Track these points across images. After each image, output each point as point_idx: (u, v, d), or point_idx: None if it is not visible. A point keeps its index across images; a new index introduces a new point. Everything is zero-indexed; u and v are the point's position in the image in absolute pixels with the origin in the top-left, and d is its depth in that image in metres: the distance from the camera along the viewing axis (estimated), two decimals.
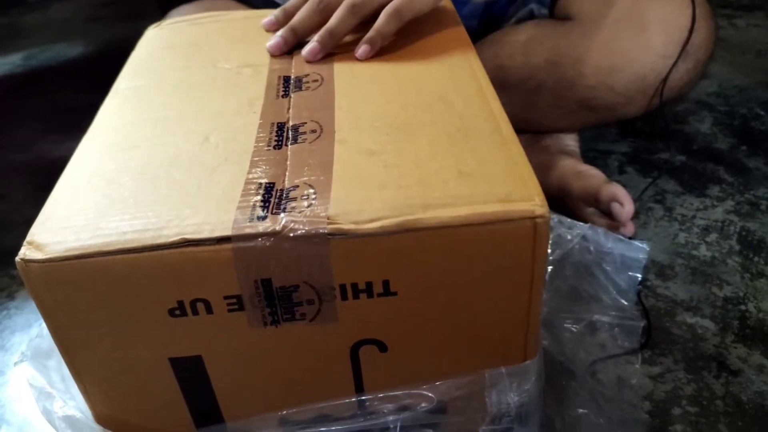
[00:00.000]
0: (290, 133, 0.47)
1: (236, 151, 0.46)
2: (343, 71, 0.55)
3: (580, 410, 0.59)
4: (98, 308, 0.42)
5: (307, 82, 0.54)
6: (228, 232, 0.39)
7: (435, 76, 0.52)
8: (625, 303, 0.68)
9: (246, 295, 0.41)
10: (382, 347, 0.44)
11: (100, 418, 0.47)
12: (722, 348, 0.68)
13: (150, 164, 0.46)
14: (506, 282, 0.41)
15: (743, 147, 1.02)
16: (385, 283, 0.41)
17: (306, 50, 0.58)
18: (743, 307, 0.74)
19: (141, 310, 0.41)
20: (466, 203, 0.39)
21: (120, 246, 0.39)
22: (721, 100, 1.15)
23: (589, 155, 0.98)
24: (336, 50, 0.58)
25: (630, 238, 0.81)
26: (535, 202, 0.38)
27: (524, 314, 0.42)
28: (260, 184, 0.42)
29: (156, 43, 0.65)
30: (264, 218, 0.39)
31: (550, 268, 0.66)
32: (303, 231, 0.38)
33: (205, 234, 0.39)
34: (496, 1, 0.92)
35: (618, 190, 0.78)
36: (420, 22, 0.61)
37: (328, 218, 0.39)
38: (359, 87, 0.52)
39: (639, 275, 0.70)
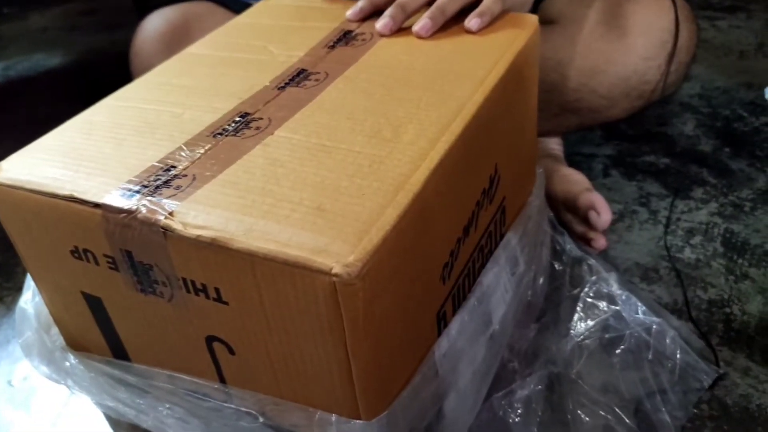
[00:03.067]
0: (242, 125, 0.49)
1: (186, 131, 0.49)
2: (350, 75, 0.54)
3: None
4: (26, 233, 0.49)
5: (308, 79, 0.54)
6: (101, 200, 0.43)
7: (418, 102, 0.49)
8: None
9: (117, 259, 0.45)
10: (231, 350, 0.46)
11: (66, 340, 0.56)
12: (708, 351, 0.68)
13: (125, 125, 0.51)
14: (317, 330, 0.40)
15: (726, 149, 1.02)
16: (217, 290, 0.42)
17: (419, 26, 0.59)
18: (728, 310, 0.73)
19: (52, 244, 0.48)
20: (281, 240, 0.38)
21: (33, 187, 0.46)
22: (703, 102, 1.15)
23: (573, 159, 0.97)
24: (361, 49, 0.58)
25: (604, 250, 0.81)
26: (344, 262, 0.36)
27: (345, 369, 0.41)
28: (167, 164, 0.45)
29: (254, 14, 0.69)
30: (134, 195, 0.43)
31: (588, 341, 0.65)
32: (144, 217, 0.41)
33: (87, 196, 0.43)
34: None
35: (596, 199, 0.78)
36: (487, 34, 0.59)
37: (171, 213, 0.41)
38: (341, 95, 0.52)
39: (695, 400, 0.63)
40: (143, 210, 0.41)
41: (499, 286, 0.56)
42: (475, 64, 0.53)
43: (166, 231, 0.41)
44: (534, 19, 0.60)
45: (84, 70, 1.46)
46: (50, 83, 1.43)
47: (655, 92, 0.81)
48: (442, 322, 0.49)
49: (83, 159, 0.48)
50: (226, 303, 0.42)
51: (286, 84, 0.54)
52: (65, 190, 0.44)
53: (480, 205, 0.52)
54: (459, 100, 0.49)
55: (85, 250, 0.46)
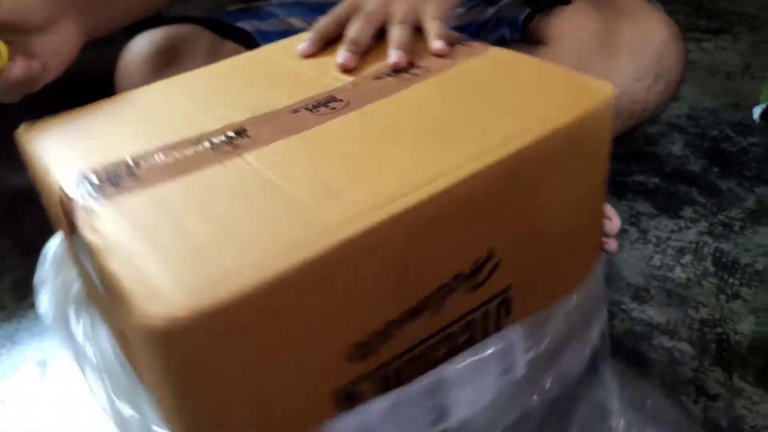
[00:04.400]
0: (226, 142, 0.48)
1: (178, 134, 0.49)
2: (367, 111, 0.50)
3: None
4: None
5: (327, 106, 0.51)
6: (61, 183, 0.45)
7: (399, 157, 0.45)
8: None
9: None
10: None
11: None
12: (700, 372, 0.68)
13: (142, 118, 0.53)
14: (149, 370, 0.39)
15: (715, 168, 1.03)
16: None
17: (397, 59, 0.57)
18: (720, 330, 0.73)
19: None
20: (143, 267, 0.37)
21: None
22: (692, 122, 1.16)
23: None
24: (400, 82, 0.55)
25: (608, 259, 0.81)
26: (176, 309, 0.34)
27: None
28: (136, 162, 0.47)
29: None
30: (84, 185, 0.44)
31: None
32: (75, 207, 0.43)
33: (59, 176, 0.46)
34: (466, 27, 0.92)
35: (605, 207, 0.78)
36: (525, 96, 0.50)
37: (89, 211, 0.42)
38: (337, 129, 0.48)
39: None
40: (80, 201, 0.43)
41: (473, 381, 0.48)
42: (504, 128, 0.46)
43: (76, 226, 0.41)
44: (609, 88, 0.49)
45: (71, 86, 1.45)
46: (36, 99, 1.41)
47: (645, 112, 0.81)
48: (348, 400, 0.43)
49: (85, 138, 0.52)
50: None
51: (309, 108, 0.51)
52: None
53: (449, 290, 0.45)
54: (445, 165, 0.43)
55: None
